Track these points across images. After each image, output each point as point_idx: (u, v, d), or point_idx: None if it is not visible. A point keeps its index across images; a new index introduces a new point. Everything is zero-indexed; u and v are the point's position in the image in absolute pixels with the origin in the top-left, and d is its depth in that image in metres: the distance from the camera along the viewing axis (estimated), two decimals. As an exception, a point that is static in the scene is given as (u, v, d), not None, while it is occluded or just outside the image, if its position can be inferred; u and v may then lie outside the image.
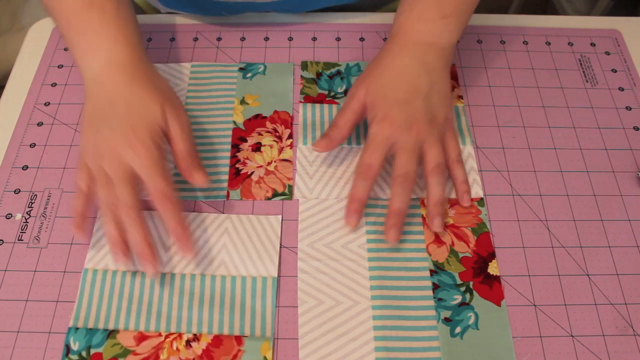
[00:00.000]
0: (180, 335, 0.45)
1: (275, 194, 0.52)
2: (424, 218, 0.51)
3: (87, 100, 0.49)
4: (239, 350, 0.45)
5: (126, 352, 0.44)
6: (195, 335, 0.45)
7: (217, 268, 0.48)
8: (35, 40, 0.64)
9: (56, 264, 0.49)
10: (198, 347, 0.45)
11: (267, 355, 0.44)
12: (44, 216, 0.51)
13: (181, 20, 0.66)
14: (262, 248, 0.49)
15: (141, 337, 0.45)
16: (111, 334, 0.45)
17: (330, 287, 0.48)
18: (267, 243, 0.50)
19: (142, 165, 0.45)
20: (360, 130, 0.57)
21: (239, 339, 0.45)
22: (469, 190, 0.52)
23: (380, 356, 0.44)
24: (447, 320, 0.46)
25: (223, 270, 0.48)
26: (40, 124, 0.57)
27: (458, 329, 0.46)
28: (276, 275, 0.48)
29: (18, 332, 0.46)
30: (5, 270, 0.49)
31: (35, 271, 0.49)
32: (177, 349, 0.45)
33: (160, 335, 0.45)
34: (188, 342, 0.45)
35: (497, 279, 0.49)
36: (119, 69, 0.49)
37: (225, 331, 0.46)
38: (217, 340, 0.45)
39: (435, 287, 0.48)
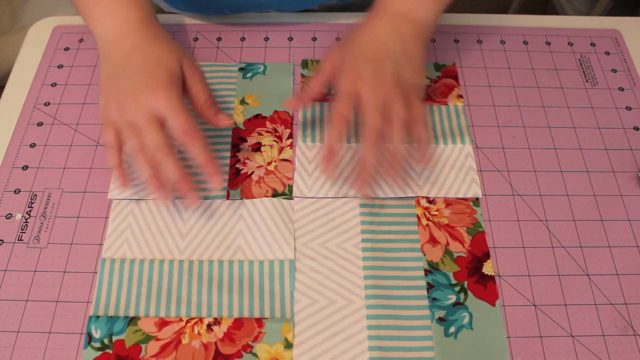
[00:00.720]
0: (201, 319, 0.46)
1: (275, 194, 0.53)
2: (418, 218, 0.51)
3: (104, 61, 0.51)
4: (260, 332, 0.45)
5: (148, 338, 0.45)
6: (216, 319, 0.46)
7: (235, 253, 0.49)
8: (35, 40, 0.64)
9: (56, 264, 0.49)
10: (219, 331, 0.45)
11: (288, 336, 0.45)
12: (44, 216, 0.51)
13: (181, 20, 0.66)
14: (277, 232, 0.50)
15: (162, 323, 0.46)
16: (132, 320, 0.46)
17: (325, 286, 0.48)
18: (282, 226, 0.50)
19: (164, 106, 0.46)
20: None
21: (259, 321, 0.46)
22: (429, 151, 0.51)
23: (374, 355, 0.45)
24: (441, 320, 0.46)
25: (240, 255, 0.49)
26: (40, 124, 0.57)
27: (452, 329, 0.46)
28: (293, 258, 0.49)
29: (18, 332, 0.46)
30: (5, 270, 0.49)
31: (35, 271, 0.49)
32: (199, 333, 0.45)
33: (181, 320, 0.46)
34: (209, 326, 0.46)
35: (491, 278, 0.49)
36: (135, 27, 0.51)
37: (246, 314, 0.46)
38: (238, 323, 0.46)
39: (430, 286, 0.48)
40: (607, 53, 0.64)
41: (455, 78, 0.61)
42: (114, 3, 0.52)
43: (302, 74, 0.61)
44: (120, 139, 0.48)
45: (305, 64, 0.62)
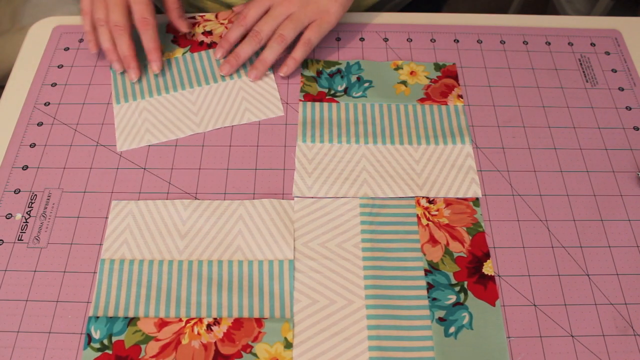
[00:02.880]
0: (200, 320, 0.46)
1: None
2: (418, 218, 0.51)
3: None
4: (260, 332, 0.45)
5: (148, 338, 0.45)
6: (215, 319, 0.46)
7: (234, 253, 0.49)
8: (35, 40, 0.64)
9: (56, 264, 0.49)
10: (219, 331, 0.45)
11: (288, 336, 0.45)
12: (44, 216, 0.51)
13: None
14: (276, 232, 0.50)
15: (162, 323, 0.46)
16: (132, 321, 0.46)
17: (325, 286, 0.48)
18: (281, 227, 0.50)
19: None
20: (359, 129, 0.57)
21: (259, 321, 0.46)
22: (292, 66, 0.59)
23: (374, 355, 0.45)
24: (441, 320, 0.46)
25: (240, 256, 0.49)
26: (40, 124, 0.57)
27: (452, 329, 0.46)
28: (292, 258, 0.49)
29: (18, 332, 0.46)
30: (5, 270, 0.49)
31: (35, 271, 0.49)
32: (199, 333, 0.45)
33: (180, 320, 0.46)
34: (209, 326, 0.46)
35: (491, 278, 0.49)
36: None
37: (245, 314, 0.46)
38: (238, 323, 0.46)
39: (430, 286, 0.48)
40: (607, 53, 0.64)
41: (456, 78, 0.61)
42: None
43: (302, 74, 0.61)
44: (92, 9, 0.57)
45: (305, 63, 0.62)
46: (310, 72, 0.61)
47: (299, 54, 0.59)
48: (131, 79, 0.58)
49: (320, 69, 0.61)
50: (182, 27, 0.61)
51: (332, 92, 0.60)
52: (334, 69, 0.61)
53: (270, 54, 0.58)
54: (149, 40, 0.57)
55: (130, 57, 0.57)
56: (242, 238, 0.50)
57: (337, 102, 0.59)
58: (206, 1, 0.71)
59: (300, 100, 0.59)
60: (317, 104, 0.59)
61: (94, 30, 0.58)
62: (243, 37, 0.60)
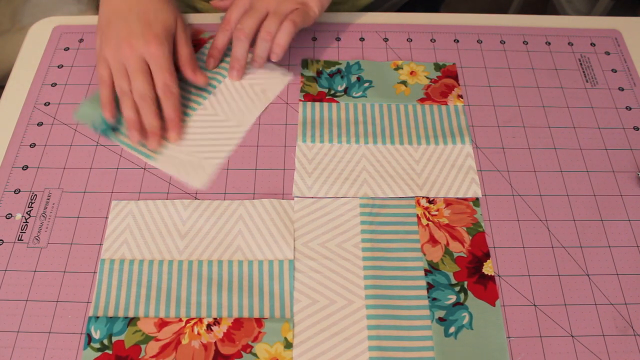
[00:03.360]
0: (200, 319, 0.46)
1: None
2: (418, 218, 0.51)
3: (105, 5, 0.57)
4: (260, 332, 0.45)
5: (148, 338, 0.45)
6: (215, 319, 0.46)
7: (234, 253, 0.49)
8: (35, 40, 0.64)
9: (56, 264, 0.49)
10: (219, 331, 0.45)
11: (288, 336, 0.45)
12: (44, 216, 0.51)
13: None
14: (276, 232, 0.50)
15: (162, 324, 0.46)
16: (132, 321, 0.46)
17: (325, 286, 0.48)
18: (281, 227, 0.50)
19: (153, 58, 0.53)
20: (359, 129, 0.57)
21: (259, 321, 0.46)
22: (279, 52, 0.57)
23: (374, 355, 0.45)
24: (441, 320, 0.46)
25: (240, 256, 0.49)
26: (40, 124, 0.57)
27: (452, 329, 0.46)
28: (292, 258, 0.49)
29: (18, 332, 0.46)
30: (5, 270, 0.49)
31: (35, 271, 0.49)
32: (199, 333, 0.45)
33: (180, 320, 0.46)
34: (209, 326, 0.46)
35: (491, 278, 0.49)
36: None
37: (245, 314, 0.46)
38: (238, 323, 0.46)
39: (430, 286, 0.48)
40: (607, 53, 0.64)
41: (456, 78, 0.61)
42: None
43: (302, 74, 0.61)
44: (111, 76, 0.54)
45: (305, 63, 0.62)
46: (310, 72, 0.61)
47: (281, 37, 0.56)
48: (152, 148, 0.55)
49: (320, 69, 0.61)
50: (200, 81, 0.58)
51: (332, 92, 0.60)
52: (334, 69, 0.61)
53: (262, 51, 0.58)
54: (171, 109, 0.54)
55: (157, 127, 0.54)
56: (242, 238, 0.50)
57: (337, 102, 0.59)
58: (202, 2, 0.71)
59: (300, 100, 0.59)
60: (317, 104, 0.59)
61: (112, 98, 0.55)
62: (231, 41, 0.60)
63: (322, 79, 0.61)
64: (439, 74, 0.62)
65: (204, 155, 0.55)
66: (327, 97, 0.59)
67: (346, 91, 0.60)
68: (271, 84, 0.60)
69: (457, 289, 0.48)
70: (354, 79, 0.61)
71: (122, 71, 0.53)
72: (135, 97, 0.53)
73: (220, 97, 0.59)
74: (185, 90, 0.59)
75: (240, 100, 0.59)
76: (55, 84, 0.60)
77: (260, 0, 0.57)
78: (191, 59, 0.57)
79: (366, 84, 0.60)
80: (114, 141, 0.56)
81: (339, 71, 0.61)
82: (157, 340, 0.45)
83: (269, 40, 0.56)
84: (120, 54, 0.53)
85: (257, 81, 0.60)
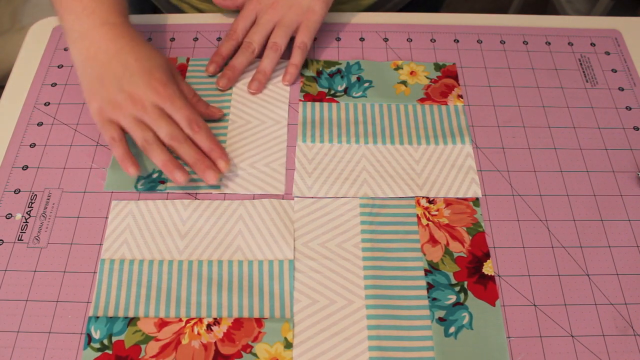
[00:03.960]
0: (200, 320, 0.46)
1: None
2: (418, 218, 0.51)
3: (86, 65, 0.52)
4: (260, 332, 0.45)
5: (148, 338, 0.45)
6: (215, 319, 0.46)
7: (234, 253, 0.49)
8: (35, 40, 0.64)
9: (56, 264, 0.49)
10: (219, 331, 0.45)
11: (288, 336, 0.45)
12: (44, 216, 0.51)
13: (181, 20, 0.66)
14: (276, 232, 0.50)
15: (162, 324, 0.46)
16: (132, 321, 0.46)
17: (325, 286, 0.48)
18: (281, 226, 0.50)
19: (168, 103, 0.51)
20: (359, 129, 0.57)
21: (259, 321, 0.46)
22: (295, 73, 0.59)
23: (374, 355, 0.45)
24: (441, 320, 0.46)
25: (240, 256, 0.49)
26: (40, 124, 0.57)
27: (452, 329, 0.46)
28: (292, 258, 0.49)
29: (18, 332, 0.46)
30: (5, 270, 0.49)
31: (35, 271, 0.49)
32: (199, 333, 0.45)
33: (180, 320, 0.46)
34: (209, 326, 0.46)
35: (491, 279, 0.49)
36: (118, 31, 0.53)
37: (245, 314, 0.46)
38: (238, 323, 0.46)
39: (430, 286, 0.48)
40: (607, 53, 0.64)
41: (455, 78, 0.61)
42: (95, 2, 0.53)
43: (301, 74, 0.61)
44: (122, 136, 0.51)
45: (305, 63, 0.62)
46: (310, 72, 0.61)
47: (297, 59, 0.59)
48: (211, 182, 0.50)
49: (320, 68, 0.61)
50: (216, 114, 0.56)
51: (332, 92, 0.60)
52: (333, 69, 0.61)
53: (268, 64, 0.58)
54: (207, 142, 0.51)
55: (202, 157, 0.50)
56: (242, 238, 0.50)
57: (337, 102, 0.59)
58: (204, 3, 0.71)
59: (300, 100, 0.59)
60: (317, 103, 0.59)
61: (129, 153, 0.51)
62: (235, 51, 0.60)
63: (322, 79, 0.61)
64: (438, 74, 0.62)
65: (266, 161, 0.54)
66: (327, 97, 0.59)
67: (346, 91, 0.60)
68: (274, 76, 0.60)
69: (457, 289, 0.48)
70: (354, 79, 0.61)
71: (140, 124, 0.50)
72: (166, 142, 0.50)
73: (241, 107, 0.58)
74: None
75: (260, 101, 0.59)
76: (55, 84, 0.60)
77: (267, 13, 0.58)
78: (196, 96, 0.56)
79: (366, 84, 0.60)
80: (175, 191, 0.53)
81: (338, 71, 0.61)
82: (157, 340, 0.45)
83: (277, 52, 0.58)
84: (131, 111, 0.50)
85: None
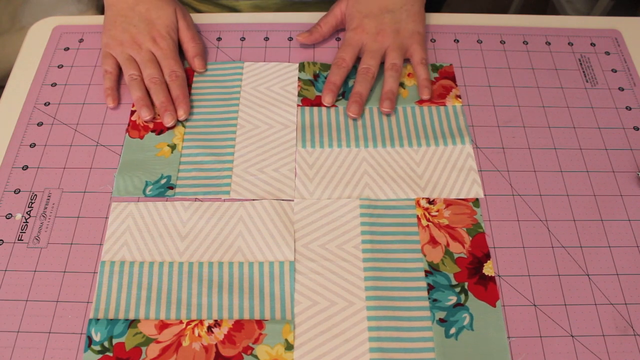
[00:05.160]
0: (201, 321, 0.46)
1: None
2: (419, 219, 0.51)
3: (108, 9, 0.61)
4: (261, 334, 0.45)
5: (148, 340, 0.45)
6: (216, 321, 0.46)
7: (235, 255, 0.49)
8: (35, 40, 0.64)
9: (56, 264, 0.49)
10: (220, 333, 0.45)
11: (289, 338, 0.45)
12: (44, 216, 0.51)
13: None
14: (277, 233, 0.50)
15: (162, 326, 0.46)
16: (132, 323, 0.46)
17: (325, 288, 0.48)
18: (281, 228, 0.50)
19: (159, 51, 0.59)
20: (359, 132, 0.57)
21: (259, 323, 0.46)
22: (429, 86, 0.60)
23: (375, 357, 0.44)
24: (441, 321, 0.46)
25: (240, 257, 0.49)
26: (40, 124, 0.57)
27: (453, 330, 0.46)
28: (293, 259, 0.49)
29: (18, 332, 0.46)
30: (5, 270, 0.49)
31: (35, 271, 0.49)
32: (199, 335, 0.45)
33: (181, 322, 0.46)
34: (209, 328, 0.46)
35: (492, 279, 0.49)
36: None
37: (246, 316, 0.46)
38: (239, 325, 0.46)
39: (430, 287, 0.48)
40: (607, 53, 0.64)
41: (453, 79, 0.61)
42: None
43: (299, 77, 0.61)
44: (116, 69, 0.59)
45: (302, 66, 0.62)
46: (307, 75, 0.61)
47: (425, 73, 0.60)
48: (166, 124, 0.56)
49: (317, 72, 0.61)
50: (200, 66, 0.61)
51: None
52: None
53: (393, 83, 0.58)
54: (178, 90, 0.58)
55: (167, 102, 0.57)
56: (242, 239, 0.50)
57: (336, 106, 0.59)
58: (202, 4, 0.71)
59: (299, 105, 0.59)
60: (315, 108, 0.59)
61: (116, 87, 0.59)
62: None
63: (320, 83, 0.60)
64: (436, 75, 0.61)
65: (275, 166, 0.54)
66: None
67: (344, 95, 0.60)
68: (283, 80, 0.60)
69: (458, 289, 0.48)
70: (351, 82, 0.60)
71: (132, 62, 0.59)
72: (146, 81, 0.58)
73: (249, 111, 0.58)
74: (218, 118, 0.58)
75: (269, 105, 0.59)
76: (55, 84, 0.60)
77: (375, 41, 0.60)
78: (197, 54, 0.61)
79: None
80: (185, 196, 0.52)
81: None
82: (158, 342, 0.45)
83: (398, 72, 0.59)
84: (128, 50, 0.59)
85: (270, 82, 0.60)
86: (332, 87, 0.58)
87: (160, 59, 0.59)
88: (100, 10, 1.03)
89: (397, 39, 0.60)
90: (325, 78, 0.61)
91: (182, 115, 0.57)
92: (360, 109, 0.57)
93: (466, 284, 0.48)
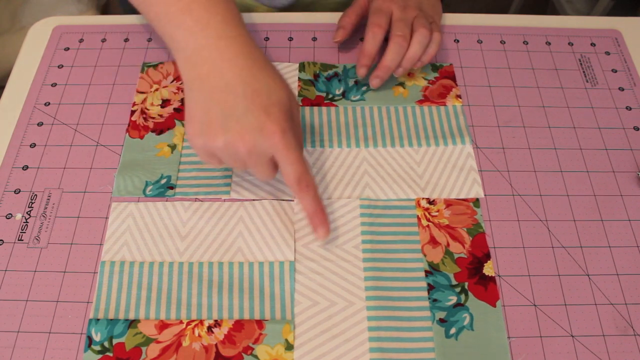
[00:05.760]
0: (201, 321, 0.46)
1: None
2: (419, 219, 0.51)
3: (194, 83, 0.45)
4: (261, 334, 0.45)
5: (148, 340, 0.45)
6: (216, 321, 0.46)
7: (235, 255, 0.49)
8: (35, 40, 0.64)
9: (56, 264, 0.49)
10: (220, 333, 0.45)
11: (289, 338, 0.45)
12: (44, 216, 0.51)
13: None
14: (277, 233, 0.50)
15: (163, 326, 0.46)
16: (132, 323, 0.46)
17: (325, 288, 0.48)
18: (281, 228, 0.50)
19: (280, 153, 0.43)
20: (359, 132, 0.57)
21: (260, 323, 0.46)
22: (424, 62, 0.58)
23: (375, 357, 0.45)
24: (442, 321, 0.46)
25: (240, 257, 0.49)
26: (40, 124, 0.57)
27: (453, 330, 0.46)
28: (293, 259, 0.49)
29: (18, 332, 0.46)
30: (5, 270, 0.49)
31: (35, 271, 0.49)
32: (199, 335, 0.45)
33: (181, 322, 0.46)
34: (209, 328, 0.46)
35: (492, 279, 0.49)
36: (237, 47, 0.45)
37: (246, 316, 0.46)
38: (239, 325, 0.46)
39: (430, 287, 0.48)
40: (607, 53, 0.64)
41: (453, 78, 0.61)
42: (209, 13, 0.45)
43: (299, 77, 0.61)
44: (221, 160, 0.46)
45: (302, 66, 0.62)
46: (307, 75, 0.61)
47: (433, 47, 0.57)
48: (319, 239, 0.49)
49: (317, 72, 0.61)
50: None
51: (330, 96, 0.59)
52: (330, 72, 0.61)
53: (421, 48, 0.56)
54: (310, 204, 0.46)
55: (313, 216, 0.47)
56: (242, 239, 0.50)
57: (336, 105, 0.59)
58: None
59: (299, 105, 0.59)
60: (315, 108, 0.59)
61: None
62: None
63: (320, 83, 0.60)
64: (436, 74, 0.61)
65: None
66: (326, 102, 0.59)
67: (344, 95, 0.60)
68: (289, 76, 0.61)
69: (458, 290, 0.48)
70: (351, 82, 0.60)
71: (240, 163, 0.45)
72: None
73: None
74: None
75: None
76: (55, 84, 0.60)
77: (404, 11, 0.57)
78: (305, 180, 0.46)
79: (364, 87, 0.60)
80: (185, 196, 0.52)
81: (336, 74, 0.61)
82: (158, 342, 0.45)
83: (428, 35, 0.56)
84: (234, 153, 0.44)
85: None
86: (366, 60, 0.57)
87: (281, 163, 0.45)
88: (101, 10, 1.03)
89: (422, 11, 0.58)
90: (326, 78, 0.60)
91: (322, 236, 0.48)
92: (382, 82, 0.58)
93: (466, 284, 0.48)
